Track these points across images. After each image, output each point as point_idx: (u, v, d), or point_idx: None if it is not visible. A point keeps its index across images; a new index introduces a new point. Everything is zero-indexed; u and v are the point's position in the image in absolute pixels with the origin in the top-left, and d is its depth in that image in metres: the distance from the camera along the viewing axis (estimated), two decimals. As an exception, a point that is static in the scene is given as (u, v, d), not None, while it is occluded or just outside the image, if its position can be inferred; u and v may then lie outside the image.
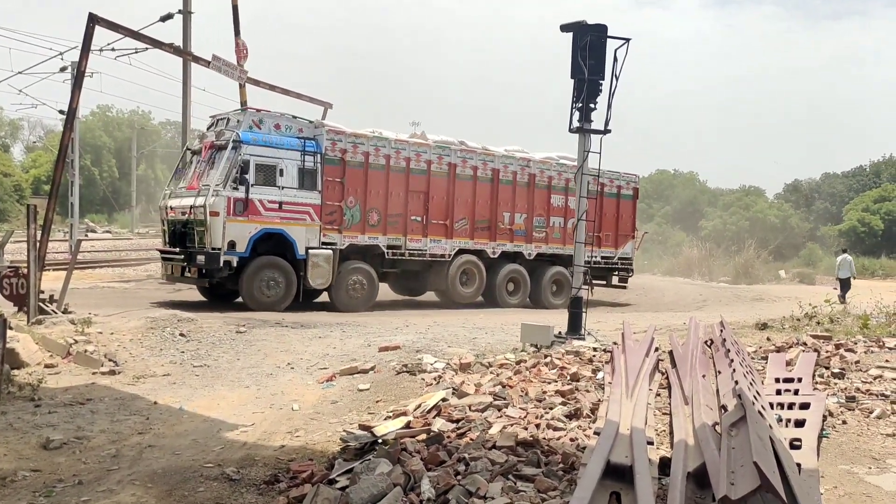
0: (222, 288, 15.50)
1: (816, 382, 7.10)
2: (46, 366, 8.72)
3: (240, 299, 15.13)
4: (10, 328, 9.87)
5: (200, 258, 14.30)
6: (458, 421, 5.97)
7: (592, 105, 10.68)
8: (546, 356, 8.47)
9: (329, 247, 15.36)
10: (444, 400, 6.62)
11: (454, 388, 7.02)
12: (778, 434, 4.67)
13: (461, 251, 17.27)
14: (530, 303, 18.24)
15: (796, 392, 6.43)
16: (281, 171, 14.80)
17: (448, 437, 5.59)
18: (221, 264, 14.22)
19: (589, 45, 10.40)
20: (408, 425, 5.95)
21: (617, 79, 10.40)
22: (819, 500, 4.03)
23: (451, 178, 17.01)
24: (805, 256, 48.45)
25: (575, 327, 10.73)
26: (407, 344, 10.02)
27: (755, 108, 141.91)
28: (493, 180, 17.68)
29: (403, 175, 16.32)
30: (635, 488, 4.00)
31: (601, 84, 10.58)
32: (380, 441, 5.64)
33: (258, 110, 15.38)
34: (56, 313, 11.43)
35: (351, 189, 15.62)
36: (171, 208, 15.60)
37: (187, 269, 14.85)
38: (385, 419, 6.34)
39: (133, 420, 6.87)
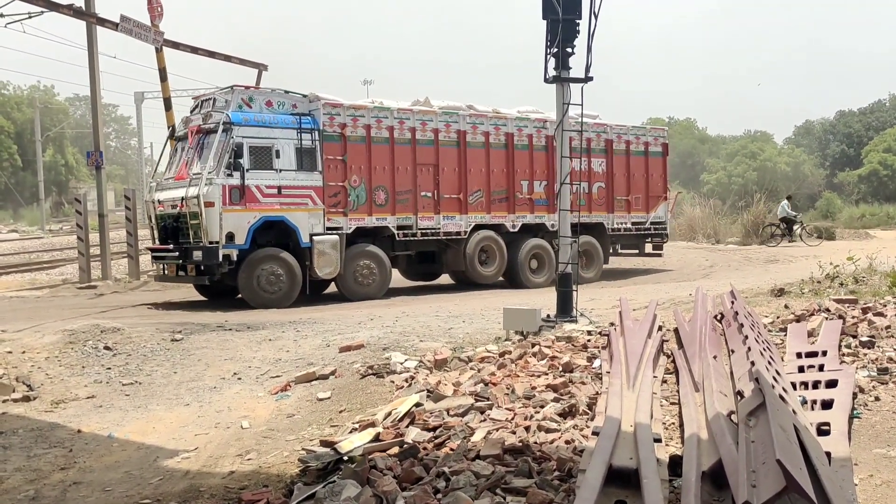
0: (221, 285, 15.75)
1: (843, 354, 7.16)
2: (-54, 396, 8.51)
3: (241, 296, 15.49)
4: None
5: (197, 254, 14.71)
6: (435, 429, 5.94)
7: (569, 50, 10.62)
8: (533, 344, 8.46)
9: (335, 232, 15.73)
10: (417, 405, 6.57)
11: (429, 391, 6.98)
12: (803, 420, 4.69)
13: (478, 227, 17.69)
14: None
15: (821, 368, 6.47)
16: (277, 152, 15.16)
17: (424, 448, 5.56)
18: (221, 259, 14.58)
19: (561, -21, 10.31)
20: (377, 438, 5.90)
21: (596, 17, 10.34)
22: (854, 495, 4.05)
23: (462, 146, 17.41)
24: (822, 208, 49.16)
25: (565, 308, 10.73)
26: (372, 341, 9.95)
27: (756, 41, 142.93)
28: (507, 146, 18.07)
29: (409, 147, 16.70)
30: (643, 494, 3.99)
31: (578, 25, 10.52)
32: (345, 459, 5.59)
33: (246, 87, 15.71)
34: (-45, 332, 11.18)
35: (354, 167, 16.00)
36: (160, 202, 15.90)
37: (182, 268, 15.19)
38: (350, 432, 6.29)
39: (54, 454, 6.74)
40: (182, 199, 14.97)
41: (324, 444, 5.96)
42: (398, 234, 16.61)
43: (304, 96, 16.02)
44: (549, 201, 18.47)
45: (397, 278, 18.87)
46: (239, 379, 9.04)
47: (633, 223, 20.18)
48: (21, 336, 10.94)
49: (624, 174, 19.88)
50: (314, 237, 15.46)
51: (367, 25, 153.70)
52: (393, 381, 7.86)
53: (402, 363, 8.47)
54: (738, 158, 63.16)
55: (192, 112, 16.42)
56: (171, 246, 15.39)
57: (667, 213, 21.06)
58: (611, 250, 20.43)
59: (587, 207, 19.05)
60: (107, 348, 10.32)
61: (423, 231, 16.93)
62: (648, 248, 21.34)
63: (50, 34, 29.66)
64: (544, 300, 12.21)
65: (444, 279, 19.03)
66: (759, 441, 3.82)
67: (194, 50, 18.40)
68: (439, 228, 17.13)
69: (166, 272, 15.94)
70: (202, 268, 14.84)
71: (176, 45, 18.08)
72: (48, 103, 68.22)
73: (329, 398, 7.76)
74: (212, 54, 18.75)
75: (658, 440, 4.74)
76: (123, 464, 6.47)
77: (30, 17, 19.71)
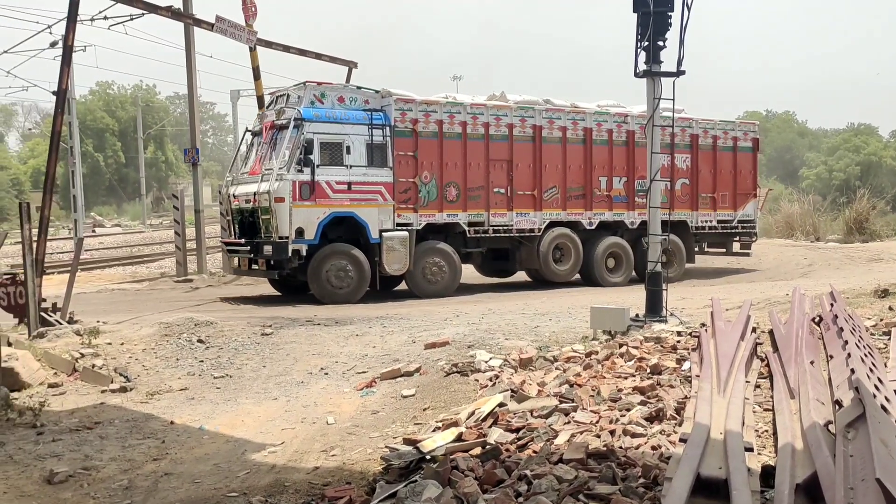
0: (295, 280, 15.95)
1: (953, 361, 6.76)
2: (50, 385, 8.88)
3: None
4: (9, 344, 10.12)
5: (267, 248, 14.97)
6: (518, 430, 5.85)
7: (661, 43, 10.35)
8: (621, 345, 8.27)
9: (404, 228, 15.75)
10: (501, 405, 6.50)
11: (513, 390, 6.90)
12: (907, 432, 4.43)
13: (552, 224, 17.48)
14: (639, 279, 18.13)
15: (928, 375, 6.13)
16: (348, 148, 15.28)
17: (507, 449, 5.49)
18: (290, 254, 14.79)
19: (653, -30, 10.06)
20: (460, 437, 5.86)
21: (689, 9, 10.03)
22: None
23: (537, 142, 17.20)
24: (931, 204, 46.82)
25: (655, 308, 10.49)
26: (457, 338, 9.93)
27: (860, 27, 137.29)
28: (585, 141, 17.79)
29: (483, 143, 16.60)
30: (732, 506, 3.83)
31: (670, 17, 10.25)
32: (428, 458, 5.57)
33: (319, 83, 15.83)
34: (60, 324, 11.67)
35: (425, 163, 16.02)
36: (235, 196, 16.23)
37: (255, 262, 15.51)
38: (433, 431, 6.28)
39: (147, 444, 6.94)
40: (255, 193, 15.21)
41: (407, 442, 5.96)
42: (469, 230, 16.49)
43: (377, 92, 16.07)
44: (628, 198, 18.17)
45: (477, 275, 18.85)
46: (326, 374, 9.16)
47: (718, 221, 19.55)
48: (120, 328, 11.35)
49: (710, 170, 19.27)
50: (384, 233, 15.48)
51: (456, 21, 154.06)
52: (477, 380, 7.82)
53: (486, 361, 8.41)
54: (841, 153, 60.78)
55: (267, 107, 16.68)
56: (242, 240, 15.70)
57: (756, 212, 20.30)
58: (695, 249, 19.79)
59: (669, 205, 18.55)
60: (200, 341, 10.60)
61: (495, 228, 16.77)
62: (736, 247, 20.59)
63: (151, 35, 30.65)
64: (633, 299, 11.98)
65: (522, 276, 18.83)
66: (857, 455, 3.62)
67: (286, 48, 18.73)
68: (512, 225, 16.94)
69: (239, 265, 16.26)
70: (272, 262, 15.06)
71: (269, 44, 18.42)
72: (150, 102, 70.67)
73: (413, 395, 7.77)
74: (302, 52, 19.03)
75: (749, 449, 4.56)
76: (213, 456, 6.62)
77: (131, 20, 20.47)
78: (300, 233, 14.84)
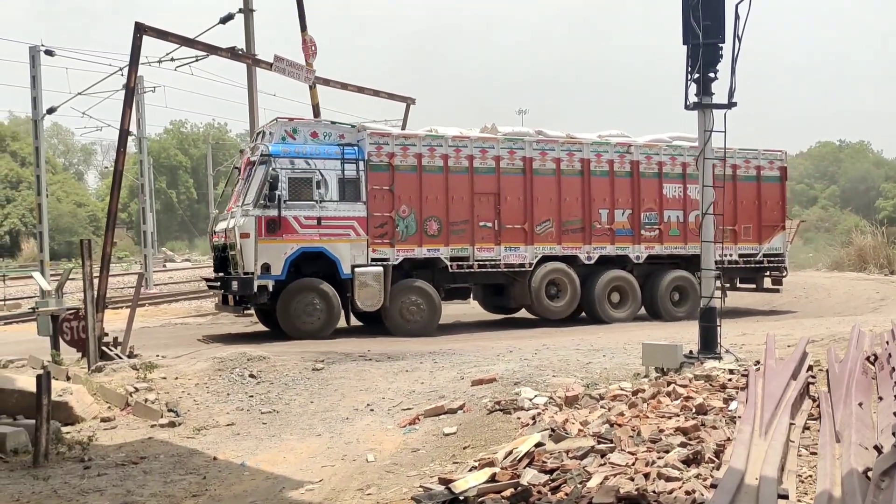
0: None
1: None
2: (103, 419, 9.09)
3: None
4: (68, 378, 10.41)
5: (234, 284, 15.04)
6: (552, 471, 5.73)
7: (712, 74, 10.19)
8: (668, 383, 8.07)
9: (380, 263, 15.54)
10: (538, 445, 6.38)
11: (553, 430, 6.77)
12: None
13: (546, 258, 16.93)
14: (648, 315, 17.73)
15: None
16: (318, 183, 15.26)
17: (539, 491, 5.38)
18: (255, 289, 14.77)
19: (702, 1, 9.94)
20: (493, 478, 5.76)
21: (740, 40, 9.84)
22: None
23: (528, 174, 16.81)
24: None
25: (709, 345, 10.21)
26: (506, 374, 9.83)
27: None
28: (582, 173, 17.28)
29: (466, 176, 16.31)
30: (760, 558, 3.67)
31: (721, 48, 10.09)
32: (460, 498, 5.49)
33: (291, 119, 16.07)
34: (120, 358, 11.95)
35: (402, 197, 15.83)
36: (216, 232, 16.61)
37: (227, 297, 15.63)
38: (470, 470, 6.19)
39: (188, 480, 7.02)
40: (225, 230, 15.48)
41: (441, 481, 5.90)
42: (452, 265, 16.07)
43: (352, 126, 16.15)
44: (634, 231, 17.60)
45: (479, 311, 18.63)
46: (371, 410, 9.14)
47: (740, 255, 18.41)
48: (177, 363, 11.57)
49: (729, 202, 17.89)
50: (356, 268, 15.29)
51: (521, 58, 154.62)
52: (519, 418, 7.70)
53: (531, 399, 8.28)
54: (920, 182, 58.89)
55: (251, 144, 16.95)
56: (213, 276, 15.95)
57: (785, 245, 19.14)
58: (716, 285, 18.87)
59: (682, 238, 17.78)
60: (251, 376, 10.72)
61: (481, 262, 16.31)
62: (767, 282, 19.30)
63: (220, 76, 31.60)
64: (692, 335, 11.70)
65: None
66: (885, 507, 3.44)
67: (344, 86, 18.97)
68: (500, 260, 16.45)
69: (220, 301, 16.40)
70: (238, 298, 15.11)
71: (326, 82, 18.68)
72: (221, 139, 72.61)
73: (455, 433, 7.70)
74: (360, 90, 19.26)
75: (784, 496, 4.37)
76: (251, 493, 6.65)
77: (196, 61, 21.07)
78: (266, 268, 14.81)
